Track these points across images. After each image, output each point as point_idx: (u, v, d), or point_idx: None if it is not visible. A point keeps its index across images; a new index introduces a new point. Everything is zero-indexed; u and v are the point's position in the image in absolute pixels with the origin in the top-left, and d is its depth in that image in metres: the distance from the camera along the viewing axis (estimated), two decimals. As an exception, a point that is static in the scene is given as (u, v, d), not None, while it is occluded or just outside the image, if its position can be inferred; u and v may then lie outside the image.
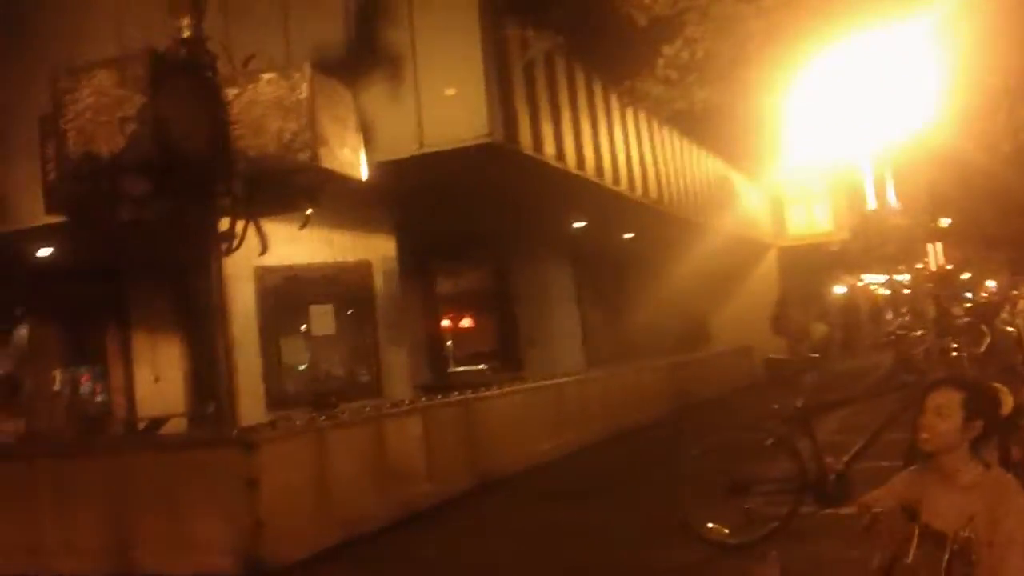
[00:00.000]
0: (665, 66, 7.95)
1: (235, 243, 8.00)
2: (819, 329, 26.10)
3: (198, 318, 9.97)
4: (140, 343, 12.81)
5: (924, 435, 3.36)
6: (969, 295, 34.65)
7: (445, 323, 20.08)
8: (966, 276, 39.79)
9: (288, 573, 7.03)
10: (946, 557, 3.24)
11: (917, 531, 3.34)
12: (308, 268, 12.11)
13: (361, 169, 8.73)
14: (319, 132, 7.83)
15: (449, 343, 19.46)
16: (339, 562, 7.46)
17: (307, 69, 7.86)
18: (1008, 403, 3.80)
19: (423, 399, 10.39)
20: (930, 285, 25.27)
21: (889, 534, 3.45)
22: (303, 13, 10.50)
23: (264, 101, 7.67)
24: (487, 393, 11.10)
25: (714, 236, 20.04)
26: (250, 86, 7.71)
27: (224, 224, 7.91)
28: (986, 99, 9.00)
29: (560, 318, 18.43)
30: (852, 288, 39.13)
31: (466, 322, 22.43)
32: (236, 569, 6.82)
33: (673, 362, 18.26)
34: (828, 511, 6.33)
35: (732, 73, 7.88)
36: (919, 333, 7.67)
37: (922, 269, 28.93)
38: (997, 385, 3.95)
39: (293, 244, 11.40)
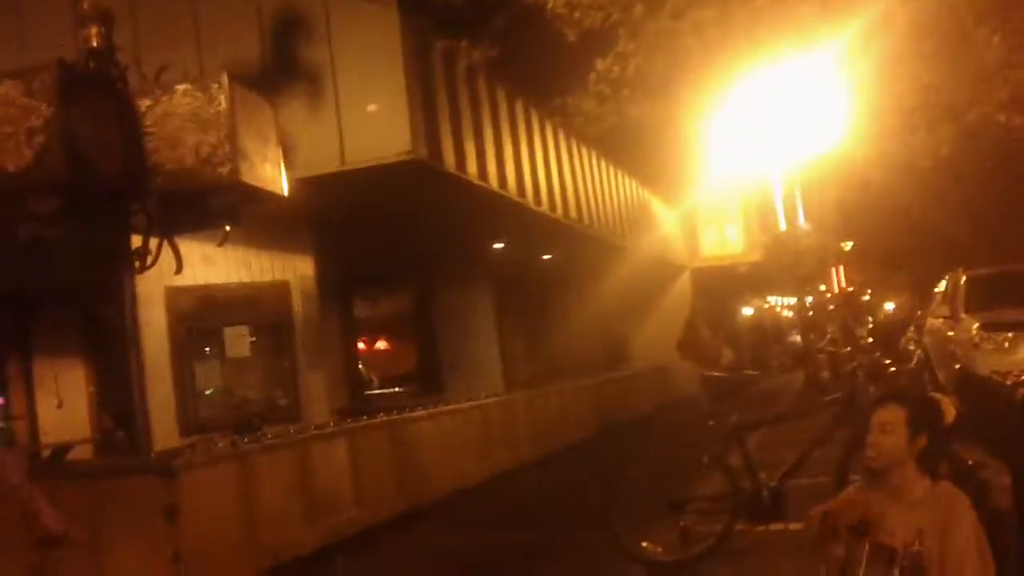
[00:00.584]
0: (597, 81, 7.94)
1: (148, 261, 7.67)
2: (727, 354, 26.46)
3: (105, 341, 9.52)
4: (42, 368, 12.21)
5: (871, 453, 3.36)
6: (870, 317, 35.85)
7: (362, 346, 19.76)
8: (866, 298, 41.07)
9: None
10: (896, 572, 3.22)
11: (867, 547, 3.33)
12: (223, 289, 11.71)
13: (282, 185, 8.49)
14: (239, 146, 7.57)
15: (360, 366, 19.14)
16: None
17: (225, 80, 7.60)
18: (951, 413, 3.79)
19: (348, 421, 10.12)
20: (832, 307, 25.99)
21: (837, 543, 3.42)
22: (216, 27, 10.22)
23: (180, 114, 7.39)
24: (413, 415, 10.88)
25: (632, 257, 20.21)
26: (164, 98, 7.42)
27: (136, 242, 7.58)
28: (903, 117, 9.25)
29: (480, 340, 18.30)
30: (759, 309, 40.02)
31: (384, 344, 22.13)
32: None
33: (595, 382, 18.29)
34: (762, 528, 6.32)
35: (665, 90, 7.92)
36: (847, 350, 7.78)
37: (824, 291, 29.82)
38: (938, 396, 3.96)
39: (208, 264, 11.05)
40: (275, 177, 8.29)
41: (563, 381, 17.40)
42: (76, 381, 11.97)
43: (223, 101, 7.42)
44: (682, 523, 6.32)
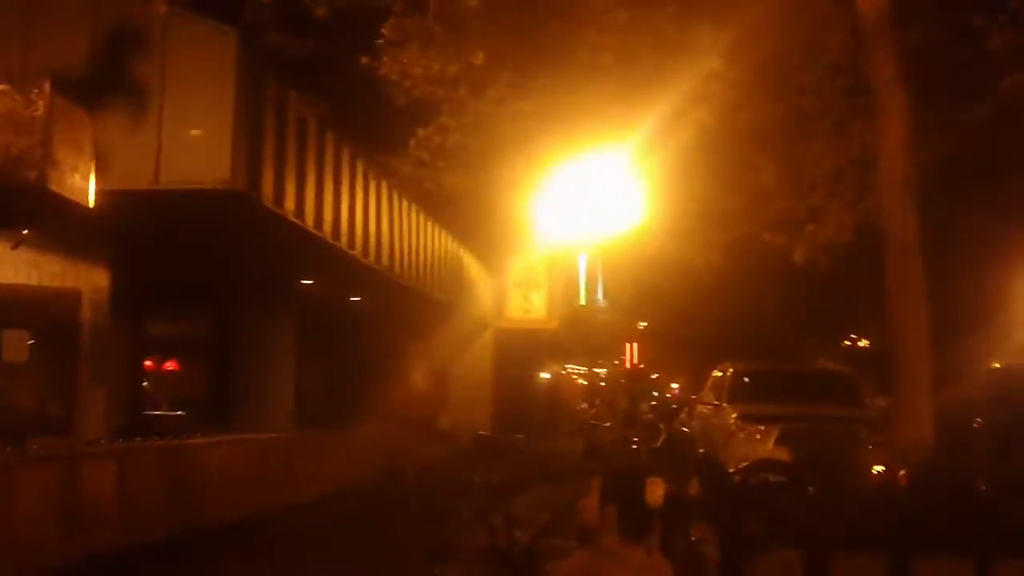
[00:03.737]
0: (417, 147, 8.39)
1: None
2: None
3: None
4: None
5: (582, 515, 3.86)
6: (656, 393, 37.96)
7: (148, 364, 19.17)
8: (655, 376, 43.36)
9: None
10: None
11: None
12: (7, 289, 11.23)
13: (89, 197, 8.43)
14: (51, 153, 7.56)
15: (145, 384, 18.58)
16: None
17: (46, 87, 7.61)
18: (656, 494, 4.29)
19: (120, 441, 9.93)
20: (623, 381, 27.37)
21: None
22: (46, 27, 9.98)
23: (-6, 112, 7.30)
24: (193, 442, 10.79)
25: (439, 309, 20.66)
26: (-20, 94, 7.32)
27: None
28: (686, 221, 10.21)
29: (276, 373, 18.15)
30: (556, 375, 41.41)
31: (172, 366, 21.49)
32: None
33: (383, 429, 18.48)
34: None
35: (481, 164, 8.46)
36: (607, 425, 8.44)
37: (618, 365, 31.37)
38: (653, 479, 4.50)
39: (-7, 262, 10.60)
40: (83, 188, 8.26)
41: (355, 424, 17.50)
42: None
43: (41, 107, 7.41)
44: (436, 572, 6.68)
